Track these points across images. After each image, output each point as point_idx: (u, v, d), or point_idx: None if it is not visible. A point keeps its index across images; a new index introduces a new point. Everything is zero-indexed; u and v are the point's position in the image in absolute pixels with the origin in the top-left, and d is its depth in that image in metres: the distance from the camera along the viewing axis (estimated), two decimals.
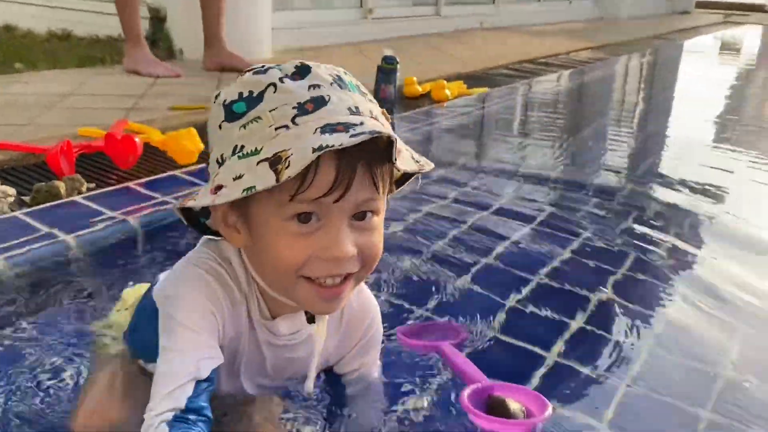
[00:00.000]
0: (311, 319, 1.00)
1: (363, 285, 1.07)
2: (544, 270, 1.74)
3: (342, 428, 1.10)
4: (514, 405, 1.15)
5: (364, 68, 4.61)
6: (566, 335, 1.45)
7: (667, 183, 2.72)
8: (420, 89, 3.76)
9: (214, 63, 3.88)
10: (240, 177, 0.81)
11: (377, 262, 0.92)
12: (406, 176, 0.97)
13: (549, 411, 1.15)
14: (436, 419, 1.16)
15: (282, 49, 4.83)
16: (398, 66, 3.30)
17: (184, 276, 0.96)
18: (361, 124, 0.81)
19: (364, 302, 1.10)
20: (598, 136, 3.69)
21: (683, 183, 2.66)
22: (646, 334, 1.49)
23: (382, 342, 1.19)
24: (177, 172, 2.07)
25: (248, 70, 0.89)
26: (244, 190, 0.80)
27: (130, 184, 1.93)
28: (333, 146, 0.76)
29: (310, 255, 0.86)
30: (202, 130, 2.23)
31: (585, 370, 1.33)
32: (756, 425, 1.20)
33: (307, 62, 0.87)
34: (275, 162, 0.78)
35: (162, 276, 1.05)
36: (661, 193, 2.58)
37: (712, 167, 3.02)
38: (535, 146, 3.28)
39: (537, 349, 1.39)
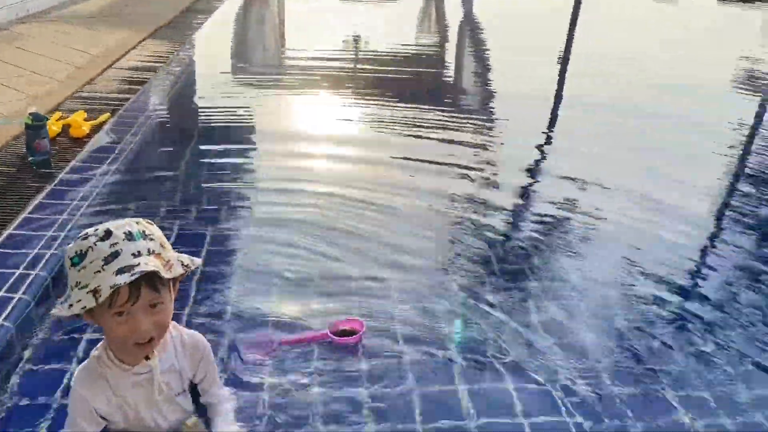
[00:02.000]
0: (147, 357, 1.71)
1: (191, 331, 1.86)
2: None
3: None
4: (348, 329, 2.40)
5: None
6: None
7: None
8: (56, 129, 4.21)
9: None
10: (80, 300, 1.48)
11: (167, 326, 1.66)
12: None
13: (365, 326, 2.41)
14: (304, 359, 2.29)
15: None
16: (46, 120, 3.80)
17: (78, 375, 1.68)
18: (138, 264, 1.46)
19: (193, 336, 1.85)
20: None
21: None
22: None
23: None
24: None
25: (77, 237, 1.53)
26: (81, 308, 1.47)
27: None
28: (120, 284, 1.44)
29: (127, 332, 1.56)
30: None
31: None
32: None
33: (110, 227, 1.52)
34: (95, 292, 1.46)
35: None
36: None
37: None
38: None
39: None
